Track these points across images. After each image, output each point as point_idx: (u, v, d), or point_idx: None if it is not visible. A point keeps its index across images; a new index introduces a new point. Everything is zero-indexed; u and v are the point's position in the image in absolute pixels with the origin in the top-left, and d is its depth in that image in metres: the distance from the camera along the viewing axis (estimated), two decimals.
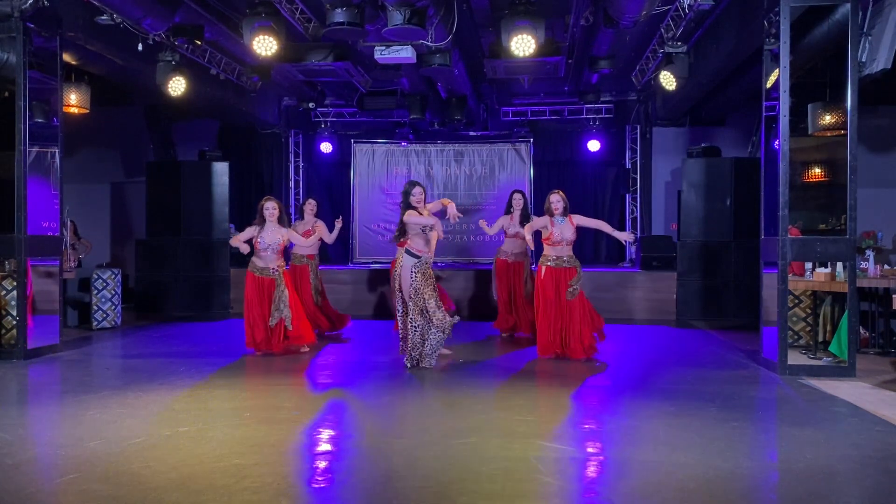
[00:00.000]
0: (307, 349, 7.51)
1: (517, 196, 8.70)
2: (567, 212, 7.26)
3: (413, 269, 6.50)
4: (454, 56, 9.50)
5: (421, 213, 6.60)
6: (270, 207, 7.32)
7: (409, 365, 6.58)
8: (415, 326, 6.51)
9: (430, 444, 4.25)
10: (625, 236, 7.50)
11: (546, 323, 7.09)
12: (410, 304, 6.52)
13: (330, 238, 8.45)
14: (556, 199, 7.22)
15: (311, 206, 8.89)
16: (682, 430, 4.55)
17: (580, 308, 7.12)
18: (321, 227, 8.58)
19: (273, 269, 7.31)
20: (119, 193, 13.09)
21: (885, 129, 10.98)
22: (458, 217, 6.73)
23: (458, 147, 13.15)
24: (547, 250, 7.20)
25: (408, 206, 6.63)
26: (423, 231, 6.57)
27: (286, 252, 7.74)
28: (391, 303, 9.10)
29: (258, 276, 7.31)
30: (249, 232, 7.32)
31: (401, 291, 6.62)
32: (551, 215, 7.21)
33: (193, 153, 11.81)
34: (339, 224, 8.37)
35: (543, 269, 7.16)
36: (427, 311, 6.46)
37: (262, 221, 7.31)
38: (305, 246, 8.15)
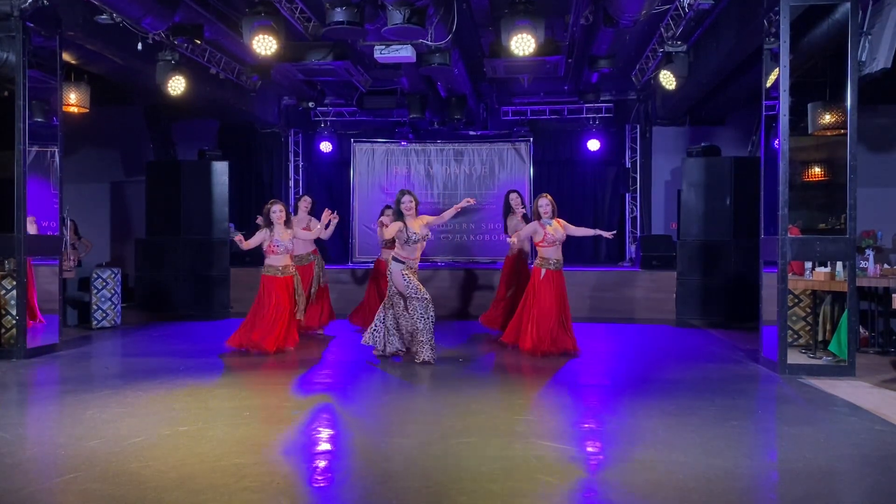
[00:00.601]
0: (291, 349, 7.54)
1: (514, 196, 8.73)
2: (555, 214, 7.32)
3: (403, 272, 6.82)
4: (454, 55, 9.50)
5: (407, 224, 6.81)
6: (278, 210, 7.43)
7: (420, 359, 6.77)
8: (424, 316, 6.78)
9: (429, 443, 4.25)
10: (607, 234, 7.62)
11: (539, 323, 7.17)
12: (415, 300, 6.78)
13: (326, 234, 8.47)
14: (545, 203, 7.33)
15: (305, 202, 8.85)
16: (681, 430, 4.55)
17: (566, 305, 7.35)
18: (315, 223, 8.63)
19: (292, 266, 7.56)
20: (119, 193, 13.09)
21: (885, 129, 10.97)
22: (471, 202, 7.25)
23: (457, 146, 13.15)
24: (544, 252, 7.28)
25: (399, 213, 6.87)
26: (407, 241, 6.82)
27: None
28: (366, 300, 9.22)
29: (281, 277, 7.39)
30: (260, 236, 7.40)
31: (398, 293, 6.88)
32: (539, 218, 7.27)
33: (193, 152, 11.81)
34: (335, 219, 8.37)
35: (543, 271, 7.26)
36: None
37: (270, 224, 7.40)
38: (306, 240, 8.29)
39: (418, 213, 6.98)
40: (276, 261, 7.42)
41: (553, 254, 7.28)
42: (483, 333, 8.91)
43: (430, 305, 6.84)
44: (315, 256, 8.81)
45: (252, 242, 7.47)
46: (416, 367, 6.64)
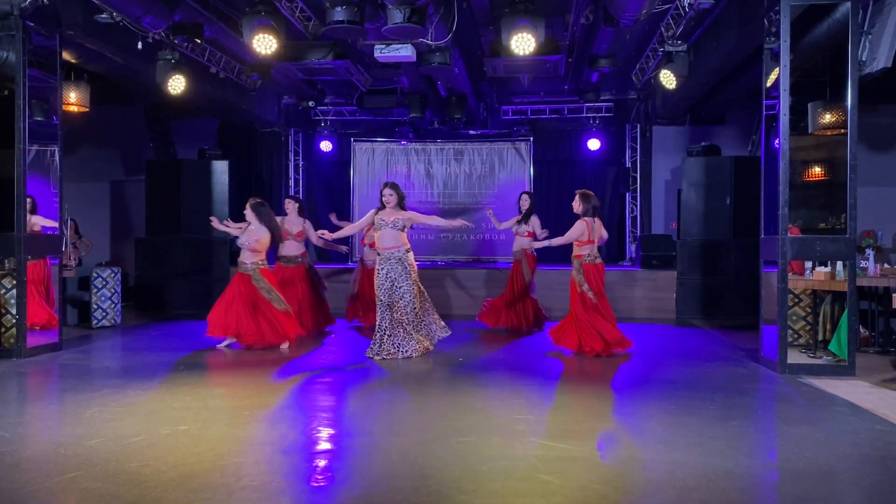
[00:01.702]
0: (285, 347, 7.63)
1: (524, 197, 9.07)
2: (586, 213, 7.32)
3: (379, 266, 6.98)
4: (454, 54, 9.50)
5: (378, 213, 7.01)
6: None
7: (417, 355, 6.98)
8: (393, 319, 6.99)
9: (429, 442, 4.25)
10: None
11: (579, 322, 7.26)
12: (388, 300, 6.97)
13: (314, 237, 8.67)
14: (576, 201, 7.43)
15: (291, 204, 8.88)
16: (681, 429, 4.55)
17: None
18: (309, 225, 8.88)
19: (247, 265, 7.67)
20: (119, 192, 13.09)
21: (885, 128, 10.98)
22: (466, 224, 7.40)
23: (457, 146, 13.15)
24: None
25: (383, 206, 7.07)
26: (389, 227, 6.94)
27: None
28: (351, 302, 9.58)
29: (239, 271, 7.70)
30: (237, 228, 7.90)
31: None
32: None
33: (193, 152, 11.80)
34: (339, 249, 8.99)
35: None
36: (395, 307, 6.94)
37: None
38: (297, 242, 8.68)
39: (405, 208, 7.12)
40: (241, 256, 7.70)
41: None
42: (482, 332, 8.92)
43: (384, 307, 6.90)
44: (305, 259, 8.84)
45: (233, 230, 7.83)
46: (416, 367, 6.64)
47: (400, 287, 6.90)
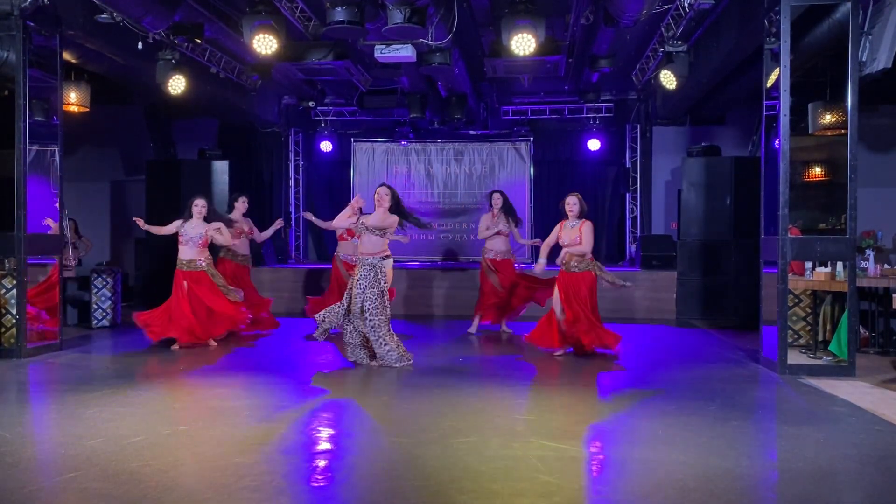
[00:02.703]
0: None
1: (496, 196, 8.83)
2: (580, 215, 7.16)
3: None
4: (454, 55, 9.50)
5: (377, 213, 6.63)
6: (200, 204, 7.68)
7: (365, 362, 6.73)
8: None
9: (429, 442, 4.25)
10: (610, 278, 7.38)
11: (548, 318, 7.15)
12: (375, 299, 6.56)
13: (260, 237, 8.96)
14: (573, 202, 7.17)
15: (241, 203, 9.07)
16: (681, 429, 4.55)
17: (588, 305, 7.16)
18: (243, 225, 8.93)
19: (202, 261, 7.73)
20: (119, 192, 13.09)
21: (886, 129, 10.98)
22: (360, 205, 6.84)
23: (458, 146, 13.15)
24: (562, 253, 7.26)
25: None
26: (368, 232, 6.56)
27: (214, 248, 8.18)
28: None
29: (187, 271, 7.66)
30: (174, 225, 7.72)
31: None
32: (566, 218, 7.23)
33: (193, 152, 11.81)
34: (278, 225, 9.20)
35: (558, 270, 7.26)
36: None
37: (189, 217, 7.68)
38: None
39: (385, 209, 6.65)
40: (183, 253, 7.63)
41: (563, 256, 7.17)
42: (483, 332, 8.92)
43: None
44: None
45: (165, 230, 7.69)
46: (415, 367, 6.63)
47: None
